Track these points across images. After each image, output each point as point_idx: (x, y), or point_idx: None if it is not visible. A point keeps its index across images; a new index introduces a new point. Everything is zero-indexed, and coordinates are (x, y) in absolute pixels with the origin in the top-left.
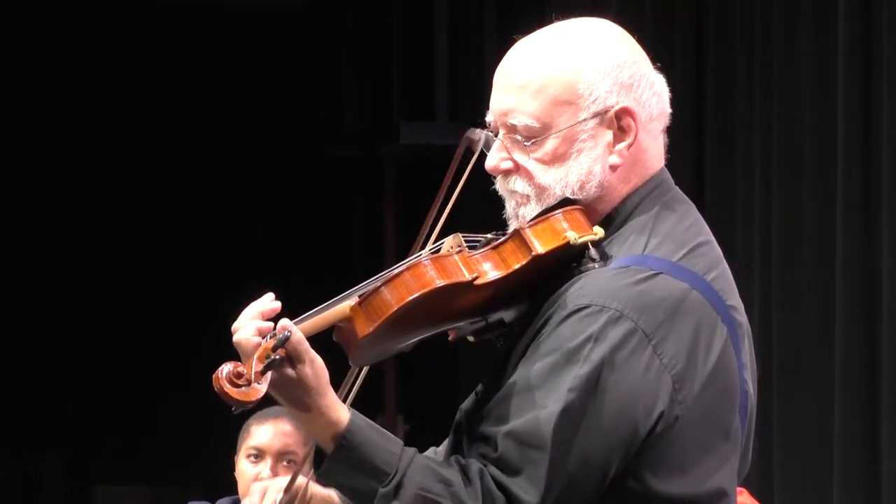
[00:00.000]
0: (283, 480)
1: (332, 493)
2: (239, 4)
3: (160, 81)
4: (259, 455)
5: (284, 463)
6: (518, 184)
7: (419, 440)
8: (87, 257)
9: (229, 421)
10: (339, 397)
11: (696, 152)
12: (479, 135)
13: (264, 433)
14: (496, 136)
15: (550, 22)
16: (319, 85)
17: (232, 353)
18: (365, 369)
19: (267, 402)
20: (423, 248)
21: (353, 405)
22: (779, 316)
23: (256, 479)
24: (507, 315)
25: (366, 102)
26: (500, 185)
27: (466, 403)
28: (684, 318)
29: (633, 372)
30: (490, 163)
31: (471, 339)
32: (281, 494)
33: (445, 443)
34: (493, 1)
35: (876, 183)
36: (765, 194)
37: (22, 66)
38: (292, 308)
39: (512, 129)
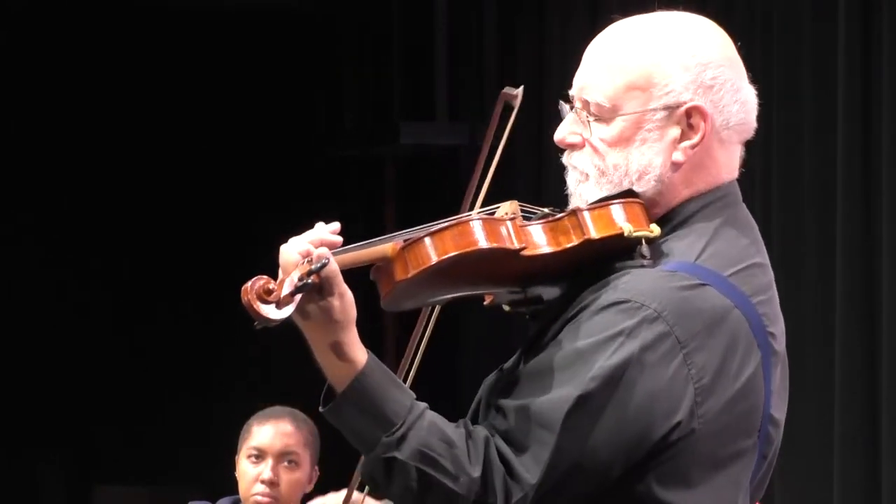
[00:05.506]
0: (339, 496)
1: None
2: (239, 5)
3: (159, 82)
4: (260, 455)
5: (285, 463)
6: (580, 160)
7: None
8: (87, 257)
9: (229, 421)
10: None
11: None
12: (517, 91)
13: (265, 433)
14: (572, 108)
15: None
16: (319, 85)
17: (230, 353)
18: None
19: (268, 401)
20: (471, 209)
21: None
22: None
23: (257, 479)
24: (547, 293)
25: (366, 102)
26: (565, 157)
27: (490, 377)
28: (721, 333)
29: (660, 376)
30: (558, 134)
31: (506, 308)
32: None
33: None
34: (493, 1)
35: (876, 182)
36: (765, 194)
37: (23, 67)
38: None
39: (585, 104)
